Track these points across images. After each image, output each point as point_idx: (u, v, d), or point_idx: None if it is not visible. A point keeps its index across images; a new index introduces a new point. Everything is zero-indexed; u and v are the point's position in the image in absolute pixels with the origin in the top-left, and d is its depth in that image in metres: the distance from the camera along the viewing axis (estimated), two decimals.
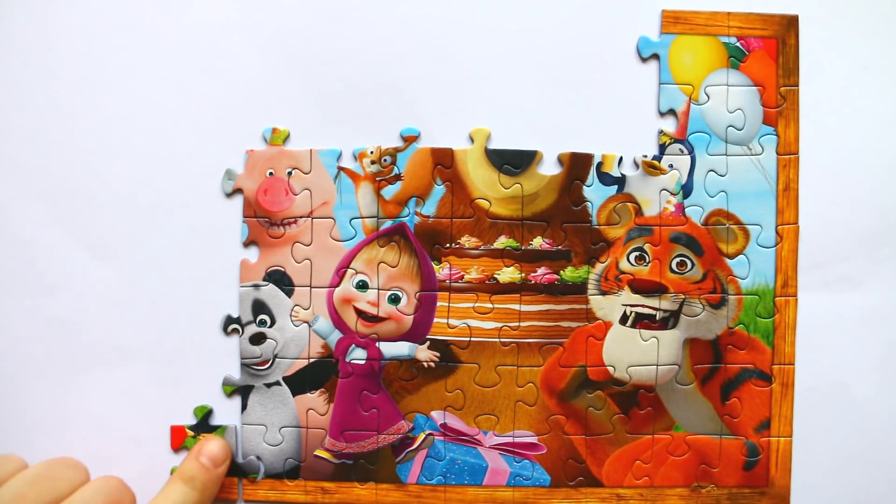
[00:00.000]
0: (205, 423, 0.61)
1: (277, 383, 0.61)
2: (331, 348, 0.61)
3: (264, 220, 0.61)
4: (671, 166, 0.61)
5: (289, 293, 0.61)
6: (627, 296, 0.61)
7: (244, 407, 0.61)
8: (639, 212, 0.61)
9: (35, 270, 0.61)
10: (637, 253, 0.61)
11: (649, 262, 0.61)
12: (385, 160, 0.61)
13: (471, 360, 0.61)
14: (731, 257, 0.61)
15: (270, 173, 0.61)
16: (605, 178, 0.61)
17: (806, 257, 0.61)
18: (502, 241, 0.61)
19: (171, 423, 0.61)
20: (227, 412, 0.61)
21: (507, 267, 0.61)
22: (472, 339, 0.61)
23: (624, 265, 0.61)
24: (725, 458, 0.61)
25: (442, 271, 0.61)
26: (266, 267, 0.61)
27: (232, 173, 0.61)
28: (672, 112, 0.61)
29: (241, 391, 0.61)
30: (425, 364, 0.61)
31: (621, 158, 0.61)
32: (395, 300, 0.61)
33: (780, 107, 0.61)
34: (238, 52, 0.61)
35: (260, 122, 0.61)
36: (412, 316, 0.61)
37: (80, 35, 0.61)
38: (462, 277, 0.61)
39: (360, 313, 0.61)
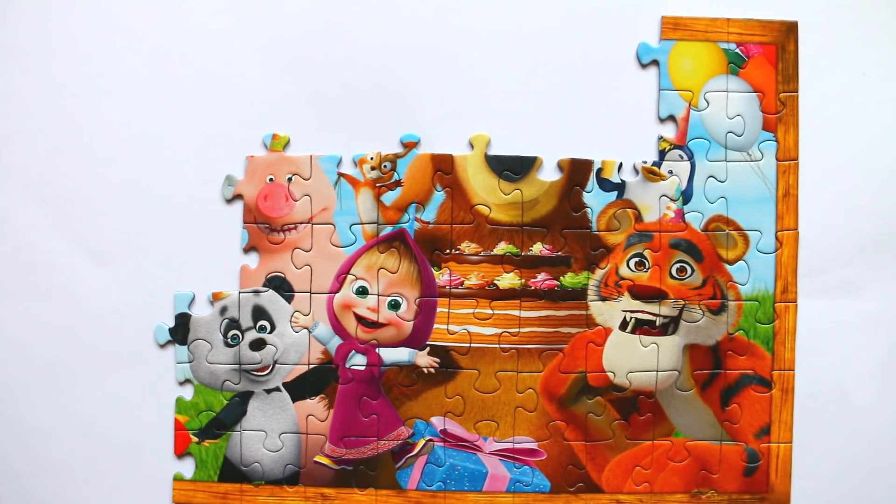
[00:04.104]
0: (209, 430, 0.61)
1: (277, 389, 0.61)
2: (331, 354, 0.61)
3: (264, 226, 0.61)
4: (671, 172, 0.61)
5: (289, 299, 0.61)
6: (627, 302, 0.61)
7: (244, 413, 0.61)
8: (638, 218, 0.61)
9: (36, 276, 0.61)
10: (637, 259, 0.61)
11: (649, 268, 0.61)
12: (385, 166, 0.61)
13: (471, 365, 0.61)
14: (731, 263, 0.61)
15: (270, 179, 0.61)
16: (605, 184, 0.61)
17: (805, 263, 0.61)
18: (502, 247, 0.61)
19: (175, 429, 0.61)
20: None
21: (507, 273, 0.61)
22: (472, 345, 0.61)
23: (624, 271, 0.61)
24: (725, 463, 0.61)
25: (442, 277, 0.61)
26: (266, 273, 0.61)
27: (232, 179, 0.61)
28: (672, 118, 0.61)
29: (241, 397, 0.61)
30: (425, 370, 0.61)
31: (621, 164, 0.61)
32: (394, 306, 0.61)
33: (779, 113, 0.61)
34: (238, 58, 0.61)
35: (260, 128, 0.61)
36: (412, 322, 0.61)
37: (80, 41, 0.61)
38: (462, 283, 0.61)
39: (360, 319, 0.61)
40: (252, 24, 0.61)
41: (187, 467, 0.61)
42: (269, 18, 0.61)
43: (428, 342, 0.61)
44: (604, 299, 0.61)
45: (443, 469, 0.61)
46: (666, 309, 0.61)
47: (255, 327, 0.61)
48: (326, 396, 0.61)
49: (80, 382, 0.61)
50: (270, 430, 0.61)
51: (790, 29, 0.61)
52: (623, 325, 0.61)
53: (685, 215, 0.61)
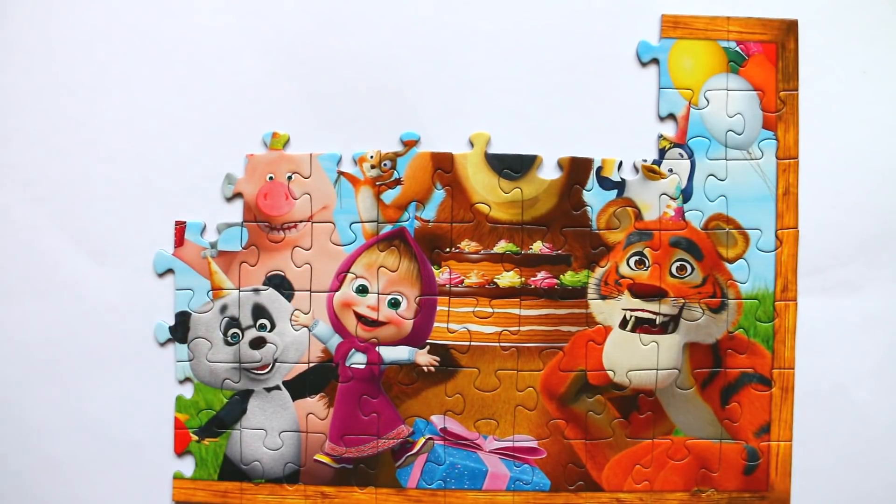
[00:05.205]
0: (209, 428, 0.61)
1: (277, 388, 0.61)
2: (331, 353, 0.61)
3: (264, 225, 0.61)
4: (671, 171, 0.61)
5: (289, 297, 0.61)
6: (627, 300, 0.61)
7: (244, 411, 0.61)
8: (639, 216, 0.61)
9: (35, 274, 0.61)
10: (637, 257, 0.61)
11: (649, 267, 0.61)
12: (385, 164, 0.61)
13: (471, 364, 0.61)
14: (731, 261, 0.61)
15: (270, 178, 0.61)
16: (605, 183, 0.61)
17: (805, 262, 0.61)
18: (502, 246, 0.61)
19: (174, 428, 0.61)
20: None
21: (507, 271, 0.61)
22: (472, 343, 0.61)
23: (624, 269, 0.61)
24: (725, 462, 0.61)
25: (442, 276, 0.61)
26: (266, 271, 0.61)
27: (232, 178, 0.61)
28: (672, 116, 0.61)
29: (241, 395, 0.61)
30: (425, 368, 0.61)
31: (621, 163, 0.61)
32: (394, 304, 0.61)
33: (779, 111, 0.61)
34: (238, 57, 0.61)
35: (260, 126, 0.61)
36: (412, 320, 0.61)
37: (80, 40, 0.61)
38: (462, 282, 0.61)
39: (360, 317, 0.61)
40: (252, 22, 0.61)
41: (187, 466, 0.61)
42: (268, 17, 0.61)
43: (428, 340, 0.61)
44: (604, 298, 0.61)
45: (443, 467, 0.61)
46: (666, 307, 0.61)
47: (255, 326, 0.61)
48: (326, 395, 0.61)
49: (81, 381, 0.61)
50: (270, 429, 0.61)
51: (790, 27, 0.61)
52: (623, 324, 0.61)
53: (685, 214, 0.61)
